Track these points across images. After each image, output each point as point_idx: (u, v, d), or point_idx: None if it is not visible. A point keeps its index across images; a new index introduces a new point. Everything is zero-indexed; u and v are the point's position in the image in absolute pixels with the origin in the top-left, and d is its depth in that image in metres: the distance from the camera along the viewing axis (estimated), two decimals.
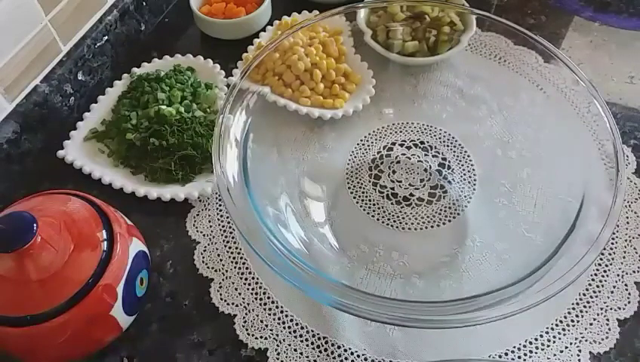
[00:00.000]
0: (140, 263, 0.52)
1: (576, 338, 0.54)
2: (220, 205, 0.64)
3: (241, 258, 0.60)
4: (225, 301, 0.57)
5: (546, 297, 0.44)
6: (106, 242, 0.49)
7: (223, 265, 0.60)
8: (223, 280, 0.59)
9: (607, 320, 0.55)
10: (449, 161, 0.66)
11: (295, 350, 0.54)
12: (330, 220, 0.62)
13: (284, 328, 0.55)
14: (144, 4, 0.80)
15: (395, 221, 0.62)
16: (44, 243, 0.46)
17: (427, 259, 0.58)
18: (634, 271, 0.58)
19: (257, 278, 0.59)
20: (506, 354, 0.53)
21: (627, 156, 0.67)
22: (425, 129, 0.69)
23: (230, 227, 0.63)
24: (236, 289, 0.58)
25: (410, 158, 0.67)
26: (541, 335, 0.54)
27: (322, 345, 0.54)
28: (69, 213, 0.50)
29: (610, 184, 0.50)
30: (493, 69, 0.68)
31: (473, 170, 0.65)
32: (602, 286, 0.57)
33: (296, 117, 0.65)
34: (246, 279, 0.59)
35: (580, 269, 0.46)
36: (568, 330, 0.54)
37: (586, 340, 0.54)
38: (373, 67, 0.70)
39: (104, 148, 0.68)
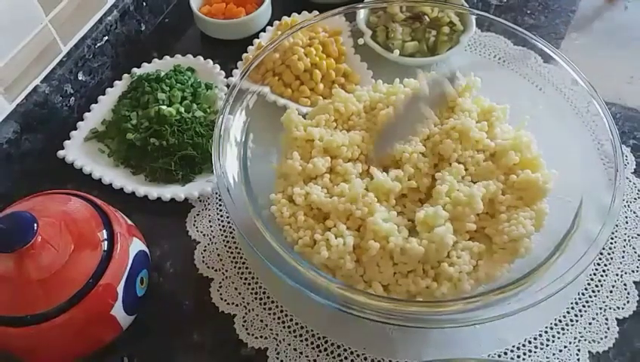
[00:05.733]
0: (141, 263, 0.52)
1: (575, 338, 0.54)
2: (220, 205, 0.64)
3: (241, 258, 0.60)
4: (225, 301, 0.57)
5: (546, 297, 0.45)
6: (106, 242, 0.49)
7: (223, 265, 0.60)
8: (222, 280, 0.59)
9: (606, 319, 0.55)
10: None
11: (295, 349, 0.54)
12: None
13: (283, 327, 0.55)
14: (144, 4, 0.80)
15: None
16: (44, 243, 0.46)
17: None
18: (633, 271, 0.58)
19: (257, 278, 0.59)
20: (506, 353, 0.54)
21: (626, 156, 0.67)
22: None
23: (230, 227, 0.63)
24: (236, 289, 0.58)
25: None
26: (540, 335, 0.54)
27: (322, 345, 0.54)
28: (70, 213, 0.50)
29: (609, 184, 0.51)
30: (493, 69, 0.68)
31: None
32: (601, 285, 0.57)
33: None
34: (246, 279, 0.59)
35: (579, 269, 0.46)
36: (567, 329, 0.55)
37: (585, 339, 0.54)
38: (373, 67, 0.70)
39: (104, 148, 0.68)
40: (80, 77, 0.72)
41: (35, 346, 0.48)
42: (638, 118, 0.70)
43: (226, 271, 0.59)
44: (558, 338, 0.54)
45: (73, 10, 0.68)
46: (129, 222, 0.55)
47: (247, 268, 0.59)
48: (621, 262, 0.59)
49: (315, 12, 0.80)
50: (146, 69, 0.75)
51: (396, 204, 0.54)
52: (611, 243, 0.60)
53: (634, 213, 0.62)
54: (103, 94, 0.73)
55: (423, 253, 0.49)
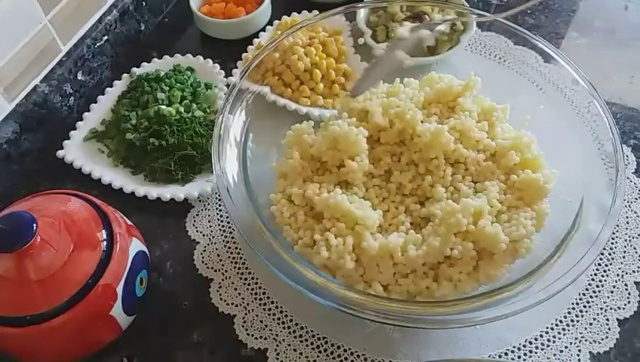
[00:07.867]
0: (140, 263, 0.52)
1: (576, 338, 0.54)
2: (220, 205, 0.64)
3: (241, 258, 0.60)
4: (224, 301, 0.57)
5: (546, 297, 0.44)
6: (105, 242, 0.49)
7: (223, 265, 0.60)
8: (222, 280, 0.59)
9: (607, 319, 0.55)
10: None
11: (295, 350, 0.54)
12: None
13: (283, 328, 0.55)
14: (144, 4, 0.80)
15: None
16: (43, 243, 0.46)
17: None
18: (634, 271, 0.58)
19: (257, 278, 0.59)
20: (506, 353, 0.53)
21: (627, 156, 0.67)
22: None
23: (230, 227, 0.63)
24: (236, 289, 0.58)
25: None
26: (541, 335, 0.54)
27: (322, 345, 0.54)
28: (69, 213, 0.50)
29: (609, 184, 0.50)
30: (493, 69, 0.68)
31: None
32: (602, 285, 0.57)
33: (296, 117, 0.65)
34: (245, 279, 0.59)
35: (579, 269, 0.46)
36: (568, 330, 0.54)
37: (586, 340, 0.54)
38: None
39: (104, 148, 0.68)
40: (79, 77, 0.72)
41: (34, 346, 0.48)
42: (639, 117, 0.70)
43: (226, 271, 0.59)
44: (559, 338, 0.54)
45: (73, 9, 0.68)
46: (128, 222, 0.55)
47: (246, 268, 0.59)
48: (622, 263, 0.59)
49: (315, 12, 0.80)
50: (146, 68, 0.75)
51: (397, 203, 0.54)
52: (612, 243, 0.60)
53: (635, 213, 0.62)
54: (103, 94, 0.73)
55: (424, 256, 0.49)
